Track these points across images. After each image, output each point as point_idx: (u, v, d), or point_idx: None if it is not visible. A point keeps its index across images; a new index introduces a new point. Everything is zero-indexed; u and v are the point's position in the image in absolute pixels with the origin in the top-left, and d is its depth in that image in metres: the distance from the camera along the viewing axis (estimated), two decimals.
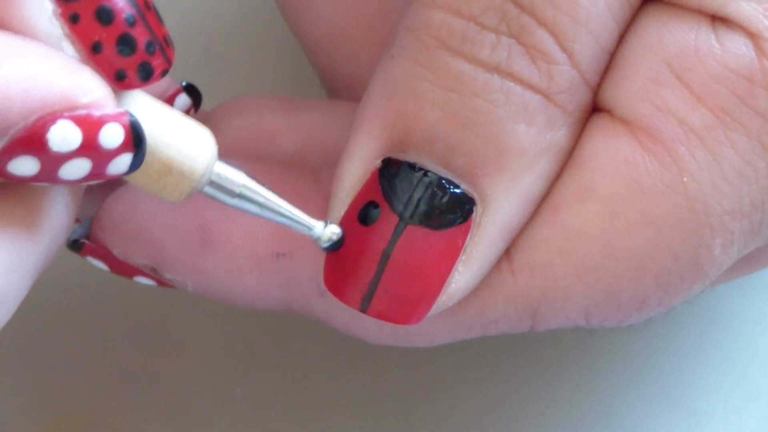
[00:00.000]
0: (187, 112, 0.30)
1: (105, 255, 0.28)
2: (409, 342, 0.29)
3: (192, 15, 0.37)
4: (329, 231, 0.26)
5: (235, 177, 0.25)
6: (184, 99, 0.29)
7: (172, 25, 0.36)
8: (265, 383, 0.35)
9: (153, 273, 0.28)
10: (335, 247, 0.26)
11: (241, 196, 0.25)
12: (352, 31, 0.30)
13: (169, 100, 0.29)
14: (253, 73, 0.37)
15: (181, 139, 0.24)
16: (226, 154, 0.30)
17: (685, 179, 0.26)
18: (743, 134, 0.25)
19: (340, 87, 0.31)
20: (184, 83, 0.29)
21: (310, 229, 0.26)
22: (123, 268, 0.28)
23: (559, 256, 0.26)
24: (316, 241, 0.26)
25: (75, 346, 0.35)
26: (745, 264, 0.29)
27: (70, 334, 0.35)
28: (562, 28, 0.25)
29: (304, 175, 0.29)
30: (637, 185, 0.26)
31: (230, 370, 0.36)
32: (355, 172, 0.27)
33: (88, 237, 0.28)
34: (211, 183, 0.25)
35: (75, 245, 0.28)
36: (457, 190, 0.26)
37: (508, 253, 0.27)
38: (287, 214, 0.26)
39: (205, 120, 0.30)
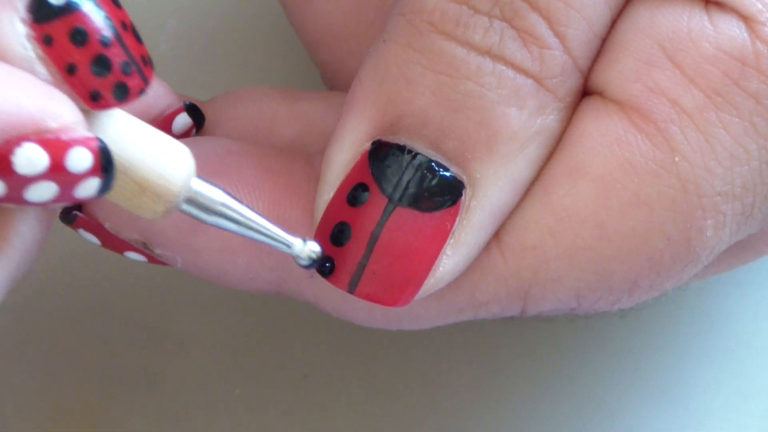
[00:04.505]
0: (188, 132, 0.30)
1: (97, 228, 0.28)
2: (400, 325, 0.28)
3: (192, 15, 0.37)
4: (308, 249, 0.26)
5: (213, 195, 0.25)
6: (184, 118, 0.29)
7: (172, 24, 0.37)
8: (265, 383, 0.35)
9: (144, 248, 0.28)
10: (314, 265, 0.26)
11: (219, 214, 0.25)
12: (353, 27, 0.30)
13: (169, 119, 0.29)
14: (253, 70, 0.37)
15: (157, 159, 0.24)
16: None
17: (677, 159, 0.25)
18: (735, 116, 0.25)
19: (341, 83, 0.31)
20: (186, 103, 0.29)
21: (288, 246, 0.26)
22: (114, 243, 0.28)
23: (550, 236, 0.26)
24: (295, 259, 0.26)
25: (75, 345, 0.35)
26: (740, 251, 0.29)
27: (70, 334, 0.35)
28: (555, 13, 0.25)
29: (296, 158, 0.29)
30: (629, 165, 0.26)
31: (230, 370, 0.35)
32: (345, 155, 0.26)
33: (80, 209, 0.28)
34: (189, 201, 0.25)
35: (67, 218, 0.28)
36: (447, 173, 0.26)
37: (498, 234, 0.27)
38: (266, 232, 0.26)
39: (205, 109, 0.30)
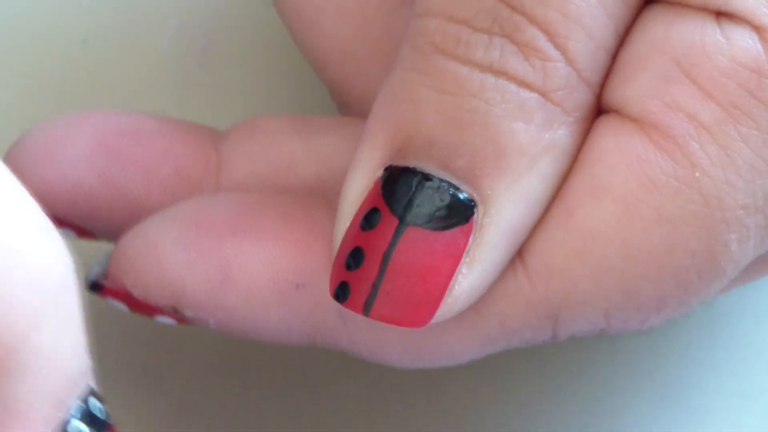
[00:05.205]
0: None
1: (125, 296, 0.28)
2: (435, 362, 0.28)
3: (192, 15, 0.37)
4: None
5: None
6: None
7: (172, 24, 0.37)
8: (265, 383, 0.35)
9: (174, 312, 0.28)
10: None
11: None
12: (360, 46, 0.30)
13: None
14: (254, 71, 0.37)
15: None
16: (243, 183, 0.30)
17: (697, 174, 0.25)
18: (753, 128, 0.25)
19: (351, 101, 0.31)
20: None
21: None
22: (143, 308, 0.28)
23: (576, 258, 0.26)
24: None
25: None
26: (761, 266, 0.29)
27: None
28: (554, 25, 0.25)
29: (316, 203, 0.29)
30: (650, 182, 0.26)
31: (230, 370, 0.36)
32: (358, 185, 0.26)
33: (106, 277, 0.28)
34: None
35: (94, 287, 0.28)
36: (458, 192, 0.26)
37: (522, 259, 0.27)
38: None
39: (221, 147, 0.30)
